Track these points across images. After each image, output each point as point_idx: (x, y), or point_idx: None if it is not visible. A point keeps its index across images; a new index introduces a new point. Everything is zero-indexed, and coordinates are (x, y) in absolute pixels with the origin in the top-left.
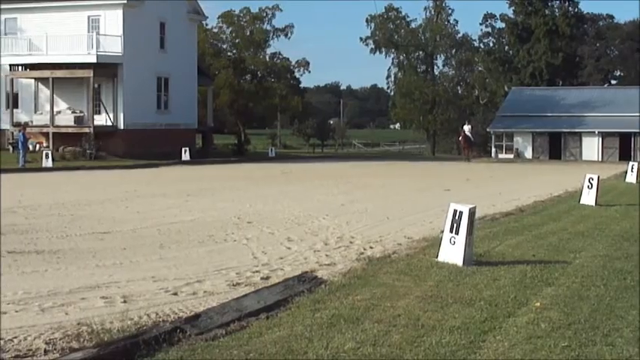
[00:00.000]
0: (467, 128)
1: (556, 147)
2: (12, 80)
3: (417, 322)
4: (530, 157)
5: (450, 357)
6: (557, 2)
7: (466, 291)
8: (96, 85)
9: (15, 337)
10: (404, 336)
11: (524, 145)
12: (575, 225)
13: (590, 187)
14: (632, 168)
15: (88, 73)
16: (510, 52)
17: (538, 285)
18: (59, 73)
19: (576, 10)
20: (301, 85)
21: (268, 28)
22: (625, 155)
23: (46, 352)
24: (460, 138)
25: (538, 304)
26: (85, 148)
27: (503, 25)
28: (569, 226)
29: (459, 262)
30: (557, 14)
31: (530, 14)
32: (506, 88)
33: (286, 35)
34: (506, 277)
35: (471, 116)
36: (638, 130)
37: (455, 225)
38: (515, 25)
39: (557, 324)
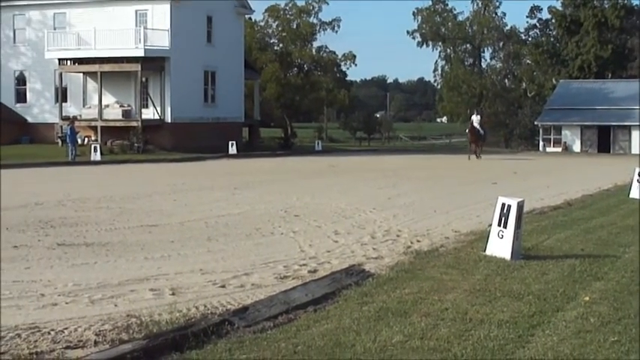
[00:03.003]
0: (475, 119)
1: (605, 140)
2: (61, 74)
3: (464, 315)
4: (579, 150)
5: (498, 351)
6: None
7: (514, 285)
8: (143, 79)
9: (65, 329)
10: (452, 329)
11: (573, 139)
12: (624, 219)
13: None
14: None
15: (136, 67)
16: (558, 44)
17: (587, 279)
18: (107, 67)
19: (625, 1)
20: (348, 79)
21: (315, 21)
22: None
23: (96, 343)
24: (467, 131)
25: (587, 298)
26: (133, 142)
27: (550, 17)
28: (618, 220)
29: (507, 256)
30: (607, 6)
31: (579, 6)
32: (554, 81)
33: (333, 29)
34: (554, 271)
35: (519, 109)
36: None
37: (503, 219)
38: (564, 17)
39: (607, 319)
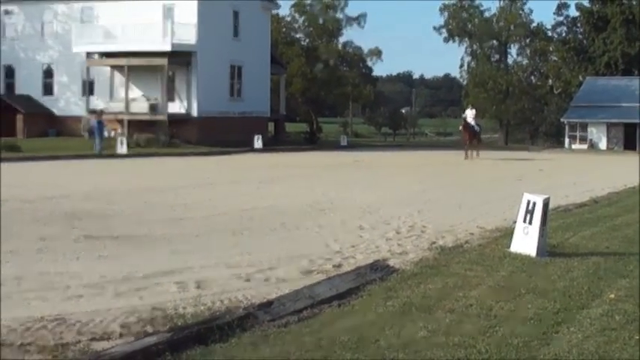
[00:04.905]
0: (469, 114)
1: (631, 138)
2: (88, 68)
3: (489, 312)
4: (605, 148)
5: (522, 348)
6: None
7: (539, 282)
8: (170, 73)
9: (91, 320)
10: (476, 326)
11: (599, 136)
12: None
13: None
14: None
15: (163, 61)
16: (585, 41)
17: (612, 277)
18: (134, 61)
19: None
20: (373, 74)
21: (341, 16)
22: None
23: (121, 335)
24: (460, 127)
25: (612, 296)
26: (159, 135)
27: (577, 14)
28: None
29: (532, 253)
30: (634, 2)
31: (607, 3)
32: (580, 78)
33: (359, 24)
34: (579, 269)
35: (545, 106)
36: None
37: (528, 215)
38: (591, 14)
39: (632, 316)
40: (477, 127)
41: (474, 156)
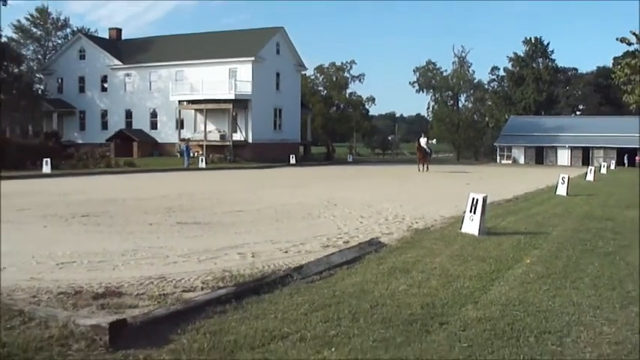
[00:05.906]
0: (422, 141)
1: (540, 156)
2: (179, 111)
3: (447, 272)
4: (523, 162)
5: (469, 296)
6: (541, 59)
7: (480, 252)
8: (234, 114)
9: (182, 279)
10: (439, 281)
11: (519, 155)
12: (553, 208)
13: (563, 183)
14: (591, 170)
15: (229, 106)
16: (509, 92)
17: (528, 248)
18: (210, 106)
19: (554, 64)
20: (369, 114)
21: (347, 75)
22: (586, 162)
23: (202, 288)
24: (416, 149)
25: (528, 261)
26: (226, 155)
27: (504, 74)
28: (549, 209)
29: (476, 233)
30: (541, 67)
31: (523, 67)
32: (506, 117)
33: (360, 80)
34: (507, 243)
35: (483, 135)
36: (594, 145)
37: (473, 208)
38: (513, 74)
39: (541, 274)
40: (427, 150)
41: (424, 170)
